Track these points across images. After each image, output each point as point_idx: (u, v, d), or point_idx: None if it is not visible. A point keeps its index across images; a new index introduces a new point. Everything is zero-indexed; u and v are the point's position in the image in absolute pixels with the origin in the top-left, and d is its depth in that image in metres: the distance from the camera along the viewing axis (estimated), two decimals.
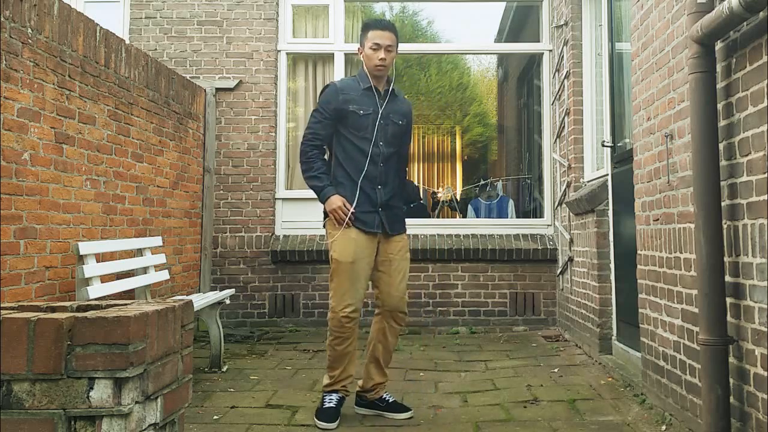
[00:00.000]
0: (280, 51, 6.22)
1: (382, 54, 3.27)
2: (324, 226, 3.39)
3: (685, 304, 2.94)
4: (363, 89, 3.33)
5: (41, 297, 3.48)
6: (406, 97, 3.61)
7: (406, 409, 3.34)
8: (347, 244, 3.23)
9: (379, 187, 3.30)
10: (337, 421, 3.19)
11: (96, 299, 3.56)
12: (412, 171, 10.70)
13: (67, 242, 3.72)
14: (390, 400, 3.37)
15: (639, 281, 3.55)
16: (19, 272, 3.32)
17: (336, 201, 3.23)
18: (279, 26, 6.22)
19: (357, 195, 3.25)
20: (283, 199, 6.13)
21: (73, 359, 1.45)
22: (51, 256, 3.57)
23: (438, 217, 7.91)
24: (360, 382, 3.42)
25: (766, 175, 2.26)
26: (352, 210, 3.23)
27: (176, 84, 5.32)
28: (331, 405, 3.23)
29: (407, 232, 3.48)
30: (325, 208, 3.30)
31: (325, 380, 3.33)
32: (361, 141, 3.28)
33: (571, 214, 5.24)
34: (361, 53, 3.39)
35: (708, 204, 2.54)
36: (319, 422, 3.17)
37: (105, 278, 3.89)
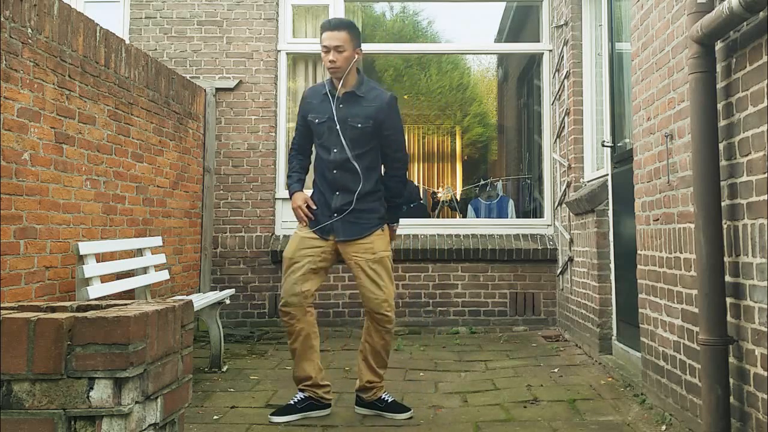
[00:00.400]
0: (280, 51, 6.22)
1: (330, 56, 3.23)
2: None
3: (685, 304, 2.94)
4: (322, 94, 3.35)
5: (41, 297, 3.48)
6: (385, 91, 3.42)
7: (406, 409, 3.34)
8: (292, 240, 3.36)
9: (337, 193, 3.29)
10: (284, 417, 3.23)
11: (96, 299, 3.56)
12: (412, 171, 10.71)
13: (67, 242, 3.71)
14: (389, 401, 3.37)
15: (639, 281, 3.55)
16: (19, 272, 3.32)
17: (297, 199, 3.36)
18: (279, 26, 6.22)
19: (317, 199, 3.35)
20: (283, 199, 6.13)
21: (73, 359, 1.45)
22: (51, 256, 3.57)
23: (438, 217, 7.91)
24: (356, 382, 3.43)
25: (766, 175, 2.26)
26: (313, 207, 3.33)
27: (176, 84, 5.32)
28: (289, 402, 3.32)
29: (377, 231, 3.33)
30: None
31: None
32: (321, 148, 3.36)
33: (571, 214, 5.24)
34: None
35: (708, 204, 2.54)
36: (270, 417, 3.27)
37: (105, 278, 3.89)
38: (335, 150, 3.28)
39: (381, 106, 3.30)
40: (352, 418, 3.30)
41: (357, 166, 3.27)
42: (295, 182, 3.42)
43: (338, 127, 3.26)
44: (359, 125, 3.27)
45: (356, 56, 3.31)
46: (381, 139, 3.34)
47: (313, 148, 3.48)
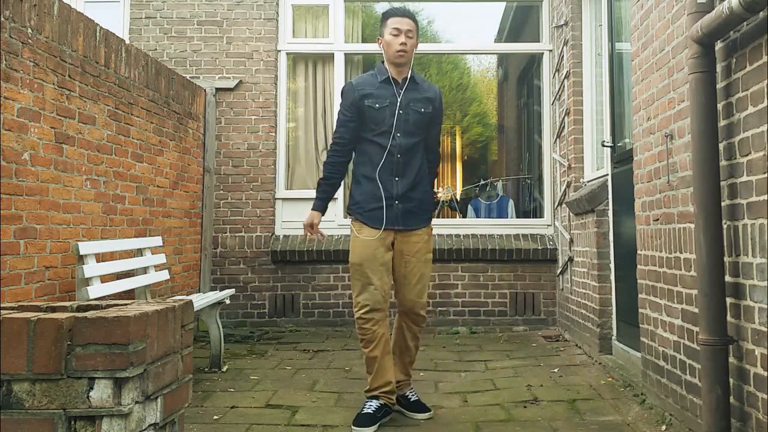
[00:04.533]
0: (280, 51, 6.22)
1: (402, 38, 3.22)
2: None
3: (685, 304, 2.94)
4: (380, 82, 3.30)
5: (41, 297, 3.48)
6: (434, 83, 3.58)
7: (426, 410, 3.32)
8: (356, 245, 3.25)
9: (396, 179, 3.26)
10: (374, 427, 3.11)
11: (96, 299, 3.56)
12: None
13: (67, 242, 3.71)
14: (412, 399, 3.36)
15: (639, 281, 3.55)
16: (19, 272, 3.32)
17: (313, 217, 3.33)
18: (279, 26, 6.22)
19: (370, 191, 3.25)
20: (283, 199, 6.13)
21: (73, 359, 1.45)
22: (51, 256, 3.57)
23: (438, 217, 7.89)
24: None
25: (766, 175, 2.26)
26: (323, 236, 3.41)
27: (176, 84, 5.32)
28: (369, 411, 3.18)
29: (428, 228, 3.37)
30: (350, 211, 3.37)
31: (368, 384, 3.31)
32: (378, 135, 3.27)
33: (571, 214, 5.24)
34: (380, 43, 3.34)
35: (708, 204, 2.54)
36: (353, 427, 3.11)
37: (105, 278, 3.89)
38: (398, 134, 3.26)
39: (436, 96, 3.43)
40: (351, 419, 3.30)
41: (416, 152, 3.31)
42: (319, 199, 3.34)
43: (401, 111, 3.27)
44: (422, 110, 3.32)
45: (415, 47, 3.35)
46: (432, 128, 3.43)
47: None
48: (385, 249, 3.24)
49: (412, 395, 3.39)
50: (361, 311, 3.20)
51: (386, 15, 3.33)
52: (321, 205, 3.35)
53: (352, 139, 3.33)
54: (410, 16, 3.32)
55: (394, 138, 3.25)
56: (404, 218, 3.27)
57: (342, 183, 3.52)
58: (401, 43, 3.23)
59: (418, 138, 3.32)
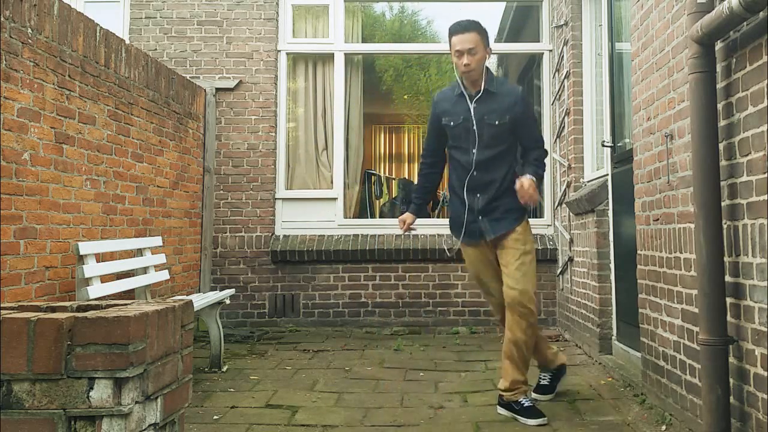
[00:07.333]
0: (280, 51, 6.22)
1: (465, 60, 3.28)
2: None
3: (685, 304, 2.94)
4: (456, 96, 3.39)
5: (41, 297, 3.48)
6: (515, 85, 3.63)
7: (540, 415, 3.18)
8: (466, 259, 3.53)
9: (478, 195, 3.35)
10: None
11: (96, 299, 3.56)
12: (412, 171, 10.70)
13: (67, 242, 3.71)
14: (525, 405, 3.23)
15: (639, 281, 3.55)
16: (19, 272, 3.31)
17: (402, 216, 3.60)
18: (279, 26, 6.22)
19: (456, 207, 3.44)
20: (283, 199, 6.13)
21: (73, 359, 1.45)
22: (51, 256, 3.57)
23: (438, 216, 7.90)
24: (501, 381, 3.38)
25: (766, 175, 2.26)
26: (415, 230, 3.66)
27: (176, 84, 5.32)
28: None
29: (523, 224, 3.35)
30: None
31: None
32: (457, 150, 3.40)
33: (571, 214, 5.24)
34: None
35: (708, 204, 2.54)
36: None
37: (105, 278, 3.89)
38: (474, 150, 3.32)
39: (516, 99, 3.35)
40: (351, 419, 3.30)
41: (496, 164, 3.33)
42: (412, 203, 3.66)
43: (475, 127, 3.32)
44: (496, 122, 3.31)
45: (488, 56, 3.37)
46: (520, 131, 3.36)
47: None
48: (487, 256, 3.42)
49: (527, 401, 3.26)
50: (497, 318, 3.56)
51: (449, 32, 3.39)
52: (413, 208, 3.64)
53: (437, 149, 3.56)
54: (471, 28, 3.33)
55: (471, 154, 3.33)
56: (493, 228, 3.34)
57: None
58: (465, 64, 3.29)
59: (497, 150, 3.32)
